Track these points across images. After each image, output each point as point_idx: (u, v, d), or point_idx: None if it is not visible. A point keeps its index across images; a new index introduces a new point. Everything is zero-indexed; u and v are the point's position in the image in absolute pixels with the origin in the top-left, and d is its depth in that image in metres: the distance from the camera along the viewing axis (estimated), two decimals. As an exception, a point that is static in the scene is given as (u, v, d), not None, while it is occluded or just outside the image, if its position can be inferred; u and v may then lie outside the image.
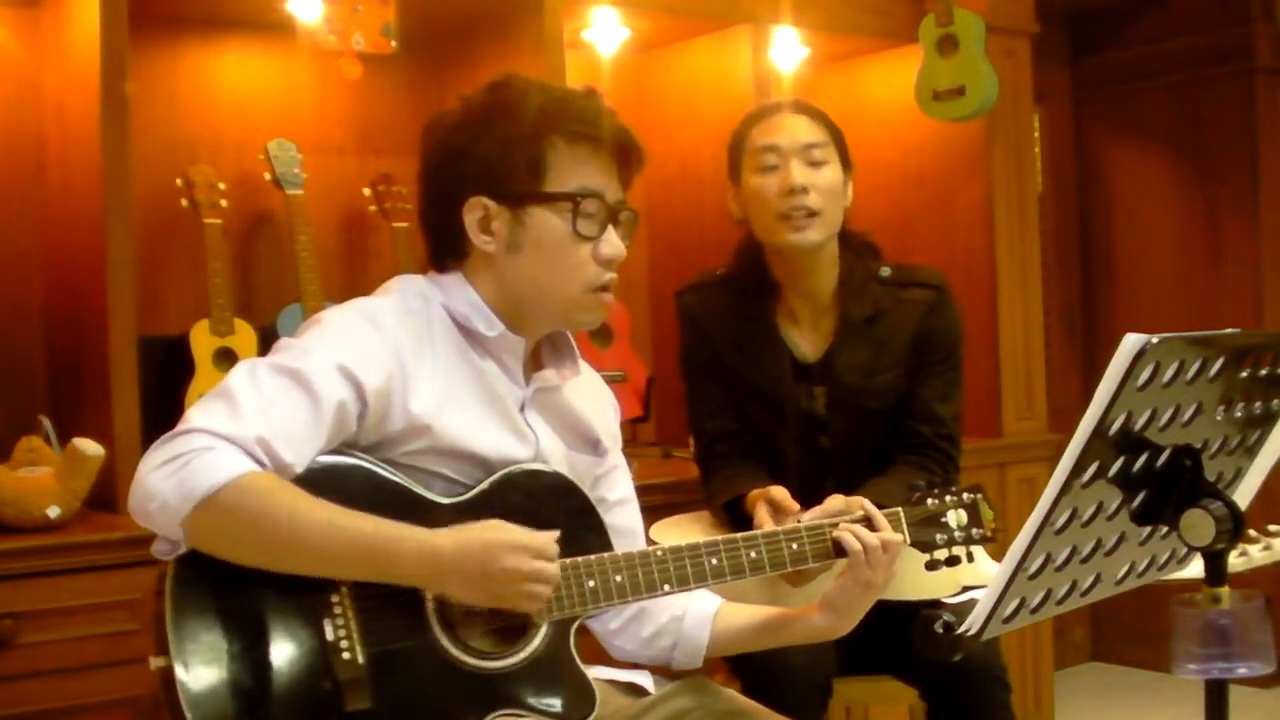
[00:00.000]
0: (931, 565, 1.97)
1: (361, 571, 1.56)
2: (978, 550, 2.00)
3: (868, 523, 1.86)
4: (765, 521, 2.26)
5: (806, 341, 2.54)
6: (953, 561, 1.97)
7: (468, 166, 1.75)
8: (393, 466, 1.67)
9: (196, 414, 1.55)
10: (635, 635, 1.93)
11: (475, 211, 1.74)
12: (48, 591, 2.26)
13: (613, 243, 1.77)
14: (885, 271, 2.53)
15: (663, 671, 1.93)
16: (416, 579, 1.57)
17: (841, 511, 1.92)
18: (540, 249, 1.74)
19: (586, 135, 1.75)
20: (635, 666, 1.91)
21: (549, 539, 1.61)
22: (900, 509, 1.95)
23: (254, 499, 1.50)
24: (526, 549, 1.58)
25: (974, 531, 1.98)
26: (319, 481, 1.59)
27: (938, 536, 1.96)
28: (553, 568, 1.60)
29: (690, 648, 1.91)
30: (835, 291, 2.52)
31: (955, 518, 1.97)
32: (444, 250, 1.80)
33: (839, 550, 1.86)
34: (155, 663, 1.50)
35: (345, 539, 1.54)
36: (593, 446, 1.91)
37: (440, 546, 1.56)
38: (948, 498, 1.98)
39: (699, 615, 1.91)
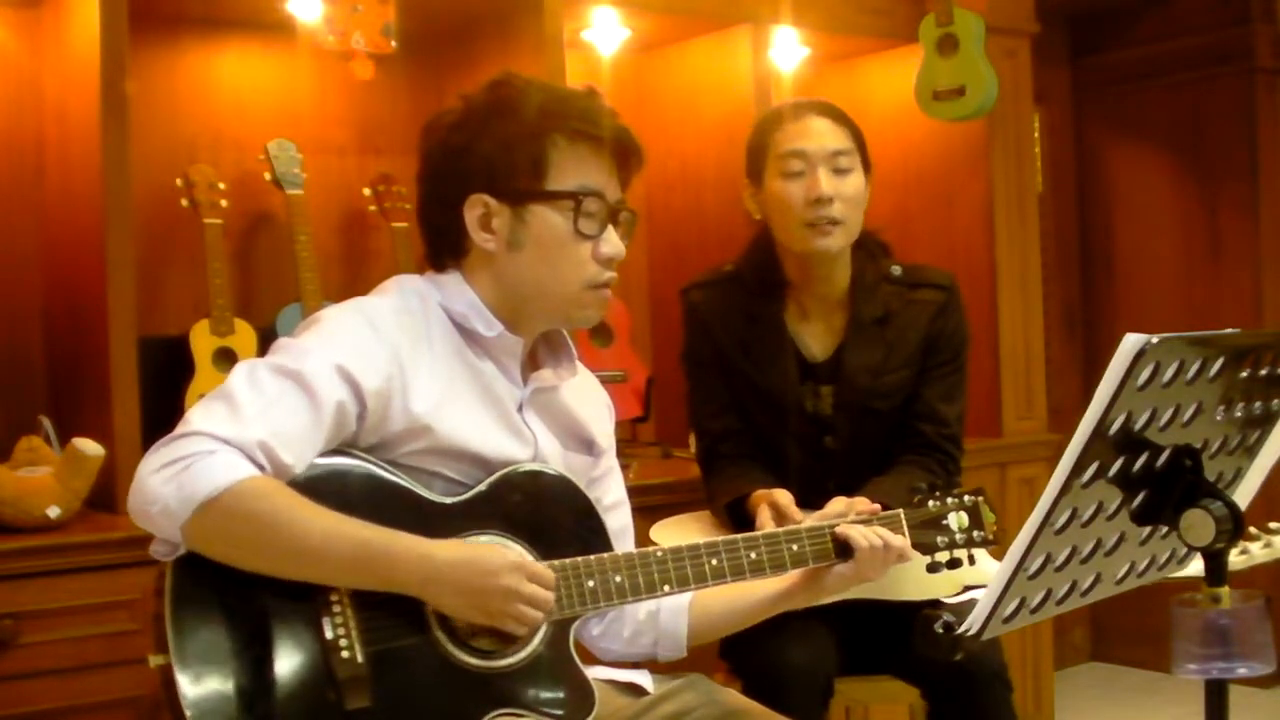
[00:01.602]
0: (933, 568, 1.97)
1: (358, 579, 1.56)
2: (979, 552, 2.00)
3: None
4: (767, 524, 2.26)
5: (816, 340, 2.53)
6: (954, 564, 1.98)
7: (469, 164, 1.75)
8: (394, 467, 1.67)
9: (197, 416, 1.55)
10: (617, 636, 1.94)
11: (476, 209, 1.75)
12: (48, 591, 2.26)
13: (613, 242, 1.77)
14: (896, 271, 2.53)
15: (662, 670, 1.93)
16: (412, 587, 1.58)
17: (842, 515, 1.92)
18: (541, 247, 1.75)
19: (588, 134, 1.75)
20: (634, 666, 1.92)
21: (547, 568, 1.62)
22: (901, 511, 1.95)
23: (254, 504, 1.51)
24: (524, 571, 1.59)
25: (975, 534, 1.99)
26: (320, 482, 1.59)
27: (939, 539, 1.96)
28: (547, 596, 1.61)
29: (671, 641, 1.92)
30: (847, 291, 2.51)
31: (956, 520, 1.97)
32: (443, 249, 1.81)
33: (841, 551, 1.86)
34: (154, 661, 1.51)
35: (343, 546, 1.54)
36: (587, 447, 1.91)
37: (437, 556, 1.57)
38: (949, 500, 1.98)
39: (674, 607, 1.92)
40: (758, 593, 1.91)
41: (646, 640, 1.93)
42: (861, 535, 1.85)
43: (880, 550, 1.85)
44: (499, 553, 1.61)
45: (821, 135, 2.46)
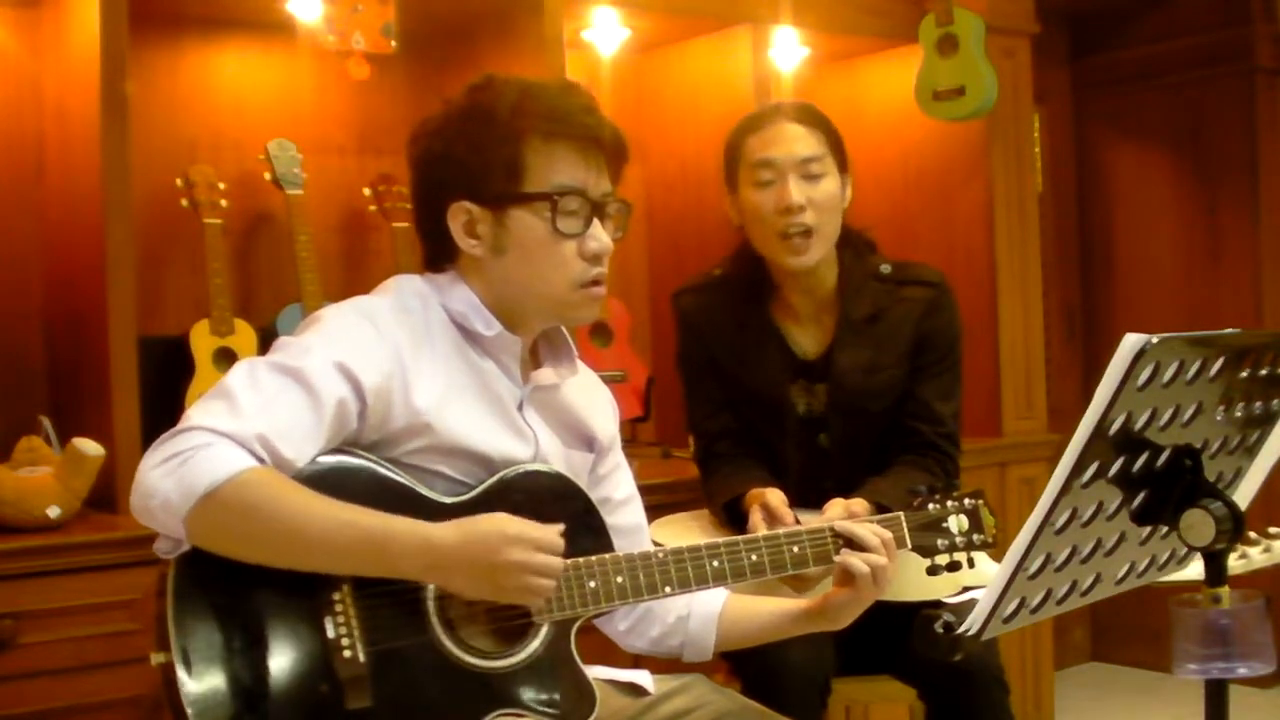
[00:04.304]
0: (932, 570, 1.97)
1: (362, 565, 1.56)
2: (978, 554, 2.00)
3: (849, 544, 1.85)
4: (759, 525, 2.26)
5: (807, 338, 2.53)
6: (954, 567, 1.97)
7: (448, 172, 1.75)
8: (395, 465, 1.67)
9: (196, 412, 1.55)
10: (644, 635, 1.95)
11: (460, 217, 1.75)
12: (48, 591, 2.26)
13: (599, 237, 1.76)
14: (885, 269, 2.52)
15: (663, 669, 1.94)
16: (416, 571, 1.57)
17: (843, 518, 1.93)
18: (524, 250, 1.74)
19: (563, 133, 1.73)
20: (638, 664, 1.92)
21: (553, 533, 1.60)
22: (901, 514, 1.95)
23: (254, 494, 1.50)
24: (530, 541, 1.58)
25: (975, 537, 1.98)
26: (322, 480, 1.59)
27: (939, 542, 1.96)
28: (556, 562, 1.60)
29: (698, 647, 1.93)
30: (835, 289, 2.51)
31: (956, 523, 1.97)
32: (437, 253, 1.81)
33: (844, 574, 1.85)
34: (156, 659, 1.51)
35: (345, 532, 1.53)
36: (588, 444, 1.91)
37: (441, 538, 1.56)
38: (949, 503, 1.98)
39: (704, 616, 1.92)
40: (788, 613, 1.90)
41: (674, 643, 1.94)
42: (860, 563, 1.83)
43: (879, 565, 1.84)
44: (504, 527, 1.58)
45: (791, 142, 2.44)
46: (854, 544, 1.85)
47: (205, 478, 1.49)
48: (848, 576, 1.84)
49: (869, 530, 1.86)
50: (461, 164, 1.74)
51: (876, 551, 1.84)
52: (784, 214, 2.41)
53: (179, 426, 1.54)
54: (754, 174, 2.46)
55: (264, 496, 1.51)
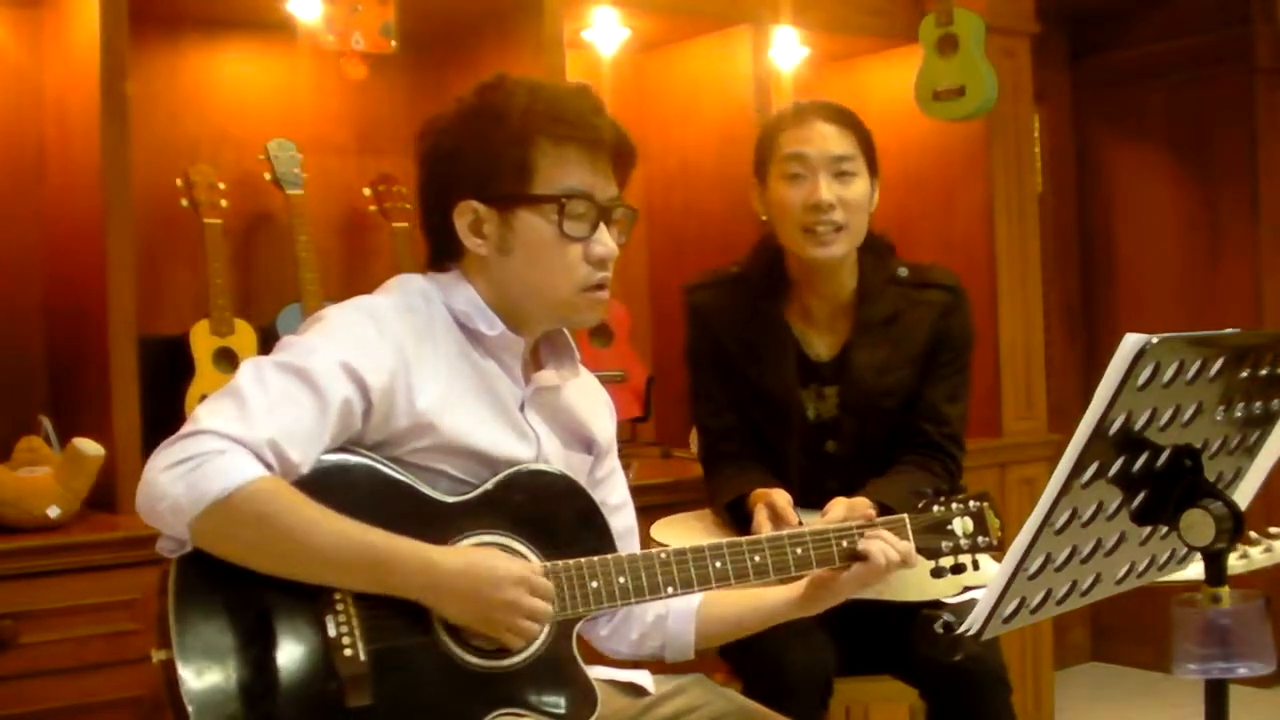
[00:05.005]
0: (937, 572, 1.95)
1: (363, 582, 1.57)
2: (983, 556, 1.99)
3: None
4: (764, 525, 2.26)
5: (821, 340, 2.53)
6: (958, 569, 1.96)
7: (456, 170, 1.75)
8: (398, 465, 1.67)
9: (205, 415, 1.55)
10: (624, 638, 1.94)
11: (466, 215, 1.75)
12: (48, 591, 2.26)
13: (604, 242, 1.76)
14: (903, 271, 2.52)
15: (663, 670, 1.93)
16: (415, 590, 1.58)
17: (846, 519, 1.92)
18: (530, 251, 1.74)
19: (573, 136, 1.74)
20: (635, 665, 1.92)
21: (550, 585, 1.63)
22: (906, 516, 1.94)
23: (262, 505, 1.51)
24: (529, 585, 1.60)
25: (980, 540, 1.97)
26: (326, 480, 1.60)
27: (944, 544, 1.95)
28: (547, 608, 1.62)
29: (678, 645, 1.92)
30: (853, 293, 2.51)
31: (961, 525, 1.96)
32: (442, 252, 1.81)
33: (853, 557, 1.85)
34: (157, 656, 1.51)
35: (348, 550, 1.55)
36: (587, 447, 1.91)
37: (440, 565, 1.58)
38: (954, 505, 1.97)
39: (682, 613, 1.92)
40: (766, 601, 1.91)
41: (654, 644, 1.93)
42: (880, 551, 1.84)
43: (894, 563, 1.85)
44: (504, 564, 1.61)
45: (824, 140, 2.45)
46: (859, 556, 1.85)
47: (216, 485, 1.49)
48: (853, 560, 1.84)
49: (894, 538, 1.87)
50: (470, 163, 1.74)
51: (902, 557, 1.84)
52: (813, 210, 2.42)
53: (190, 428, 1.54)
54: (785, 167, 2.46)
55: (272, 507, 1.52)
